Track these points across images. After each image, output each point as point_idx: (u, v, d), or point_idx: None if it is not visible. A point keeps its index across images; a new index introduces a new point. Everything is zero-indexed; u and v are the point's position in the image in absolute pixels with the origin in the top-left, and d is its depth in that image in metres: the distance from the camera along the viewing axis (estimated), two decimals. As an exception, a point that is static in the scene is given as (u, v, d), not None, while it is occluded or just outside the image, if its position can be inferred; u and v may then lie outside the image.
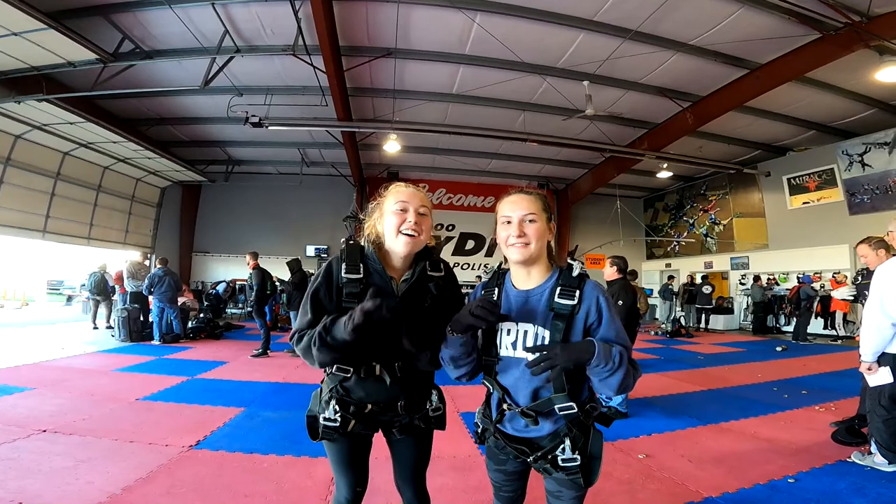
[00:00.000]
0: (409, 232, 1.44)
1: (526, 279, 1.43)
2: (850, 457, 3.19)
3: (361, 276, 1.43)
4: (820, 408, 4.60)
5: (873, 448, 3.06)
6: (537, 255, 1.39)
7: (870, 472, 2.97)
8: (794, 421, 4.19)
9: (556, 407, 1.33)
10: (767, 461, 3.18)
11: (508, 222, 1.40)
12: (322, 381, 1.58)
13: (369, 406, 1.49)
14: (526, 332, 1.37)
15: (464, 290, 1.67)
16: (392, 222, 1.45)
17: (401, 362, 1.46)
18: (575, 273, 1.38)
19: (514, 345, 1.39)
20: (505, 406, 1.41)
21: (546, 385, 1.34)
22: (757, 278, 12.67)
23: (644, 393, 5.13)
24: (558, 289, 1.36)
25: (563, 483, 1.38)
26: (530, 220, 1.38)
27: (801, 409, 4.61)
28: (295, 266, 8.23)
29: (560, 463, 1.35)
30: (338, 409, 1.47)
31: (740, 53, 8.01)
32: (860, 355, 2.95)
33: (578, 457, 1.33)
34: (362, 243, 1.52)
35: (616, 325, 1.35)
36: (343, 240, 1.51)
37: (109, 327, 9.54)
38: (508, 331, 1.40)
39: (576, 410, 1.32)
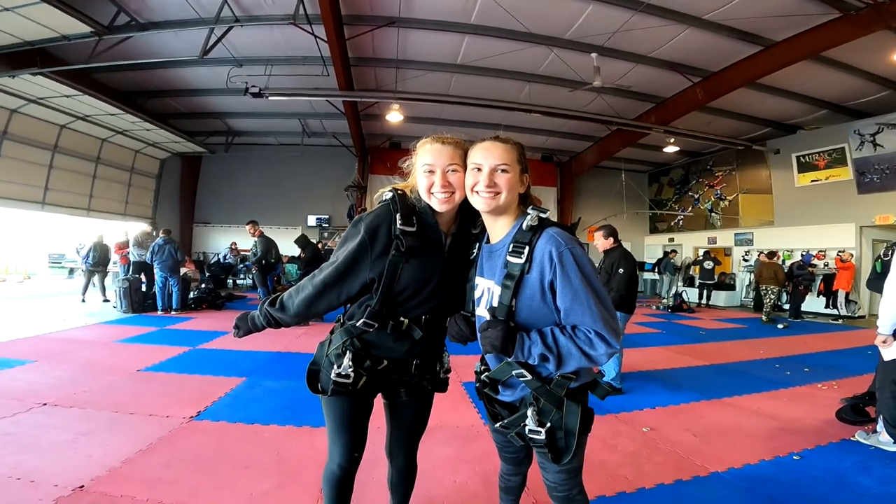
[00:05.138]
0: (441, 194, 1.34)
1: (493, 230, 1.34)
2: (854, 436, 3.16)
3: (415, 228, 1.35)
4: (823, 385, 4.59)
5: (879, 426, 3.03)
6: (505, 206, 1.28)
7: (875, 451, 2.95)
8: (797, 398, 4.17)
9: (513, 373, 1.26)
10: (772, 437, 3.16)
11: (479, 170, 1.28)
12: (332, 332, 1.50)
13: (384, 362, 1.43)
14: (489, 288, 1.31)
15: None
16: (422, 183, 1.37)
17: (428, 316, 1.42)
18: (526, 225, 1.25)
19: (478, 301, 1.35)
20: (482, 367, 1.41)
21: None
22: (766, 254, 12.55)
23: (645, 366, 5.14)
24: (511, 244, 1.24)
25: (542, 455, 1.30)
26: (502, 171, 1.26)
27: (804, 385, 4.59)
28: (304, 242, 8.11)
29: (526, 434, 1.27)
30: (351, 364, 1.38)
31: (755, 30, 7.72)
32: (877, 328, 2.90)
33: (542, 430, 1.24)
34: (409, 195, 1.42)
35: (574, 287, 1.15)
36: (389, 189, 1.43)
37: (106, 300, 9.48)
38: (476, 286, 1.36)
39: (531, 378, 1.24)
